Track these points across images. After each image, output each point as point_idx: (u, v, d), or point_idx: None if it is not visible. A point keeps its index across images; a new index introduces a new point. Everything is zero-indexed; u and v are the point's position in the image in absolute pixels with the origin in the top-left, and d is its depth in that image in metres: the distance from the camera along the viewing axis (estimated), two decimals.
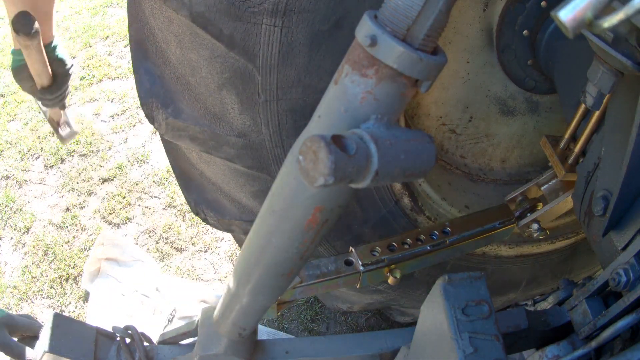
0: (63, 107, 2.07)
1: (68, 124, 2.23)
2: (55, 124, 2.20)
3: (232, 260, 3.14)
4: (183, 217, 3.38)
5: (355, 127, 0.65)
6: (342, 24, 1.29)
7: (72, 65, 1.97)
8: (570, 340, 1.19)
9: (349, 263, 1.47)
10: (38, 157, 3.86)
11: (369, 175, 0.60)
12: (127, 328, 1.37)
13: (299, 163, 0.58)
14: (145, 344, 1.39)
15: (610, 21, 0.56)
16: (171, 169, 2.03)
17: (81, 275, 2.97)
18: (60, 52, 1.89)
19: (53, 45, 1.86)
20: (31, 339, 1.32)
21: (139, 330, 1.39)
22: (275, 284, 0.98)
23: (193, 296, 2.78)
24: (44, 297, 2.97)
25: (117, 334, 1.37)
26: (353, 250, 1.48)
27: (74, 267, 3.09)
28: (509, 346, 1.27)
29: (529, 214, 1.61)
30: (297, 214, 0.78)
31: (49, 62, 1.83)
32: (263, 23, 1.27)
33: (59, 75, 1.89)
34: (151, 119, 1.59)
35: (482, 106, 1.83)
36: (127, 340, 1.38)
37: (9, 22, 1.68)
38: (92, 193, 3.57)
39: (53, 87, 1.90)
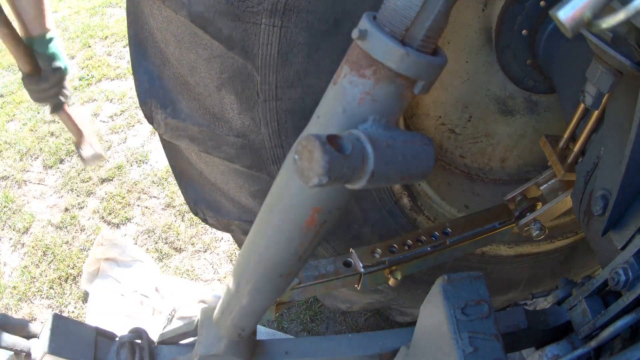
0: (57, 107, 2.06)
1: (91, 145, 2.19)
2: (77, 143, 2.19)
3: (231, 261, 3.14)
4: (182, 217, 3.38)
5: (353, 128, 0.65)
6: (341, 24, 1.29)
7: (64, 67, 1.94)
8: (569, 340, 1.19)
9: (347, 264, 1.46)
10: (37, 158, 3.86)
11: (364, 176, 0.60)
12: (136, 330, 1.37)
13: (294, 162, 0.58)
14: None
15: (610, 22, 0.56)
16: (170, 169, 2.03)
17: (80, 275, 2.97)
18: (53, 48, 1.89)
19: (48, 37, 1.86)
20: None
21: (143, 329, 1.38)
22: (274, 285, 0.98)
23: (192, 296, 2.78)
24: (43, 298, 2.97)
25: (119, 337, 1.36)
26: (353, 251, 1.48)
27: (73, 268, 3.08)
28: (509, 346, 1.27)
29: (528, 214, 1.61)
30: (295, 215, 0.78)
31: (36, 55, 1.85)
32: (262, 23, 1.27)
33: (45, 70, 1.90)
34: (150, 119, 1.59)
35: (482, 106, 1.83)
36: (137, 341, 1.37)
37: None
38: (91, 193, 3.57)
39: (37, 78, 1.90)
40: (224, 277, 3.05)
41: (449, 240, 1.55)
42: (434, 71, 0.66)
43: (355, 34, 0.65)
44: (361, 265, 1.45)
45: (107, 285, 2.81)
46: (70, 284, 3.01)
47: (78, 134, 2.18)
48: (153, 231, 3.30)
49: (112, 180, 3.66)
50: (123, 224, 3.37)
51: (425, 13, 0.63)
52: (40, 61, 1.88)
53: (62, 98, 2.03)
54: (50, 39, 1.88)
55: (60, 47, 1.94)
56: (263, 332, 2.59)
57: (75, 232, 3.31)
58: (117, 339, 1.38)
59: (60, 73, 1.95)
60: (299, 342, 1.46)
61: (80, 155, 2.19)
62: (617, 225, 1.11)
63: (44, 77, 1.90)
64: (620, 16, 0.55)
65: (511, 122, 1.88)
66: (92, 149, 2.17)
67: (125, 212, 3.43)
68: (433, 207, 1.86)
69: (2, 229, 3.37)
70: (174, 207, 3.44)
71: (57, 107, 2.06)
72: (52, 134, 4.03)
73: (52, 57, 1.90)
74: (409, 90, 0.67)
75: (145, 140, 3.96)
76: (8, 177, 3.71)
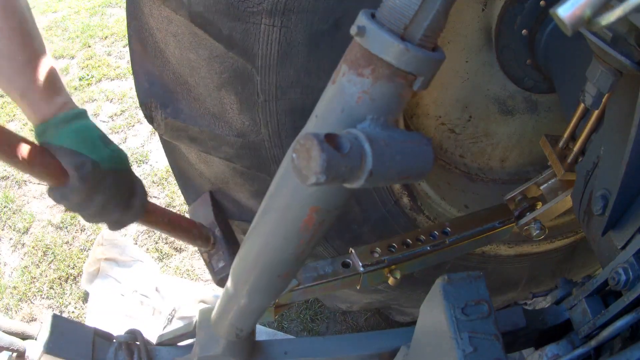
0: (119, 223, 1.27)
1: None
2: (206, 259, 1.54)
3: None
4: None
5: (351, 127, 0.65)
6: (340, 24, 1.29)
7: (104, 157, 1.13)
8: (569, 340, 1.18)
9: (346, 265, 1.46)
10: None
11: (362, 175, 0.59)
12: (132, 332, 1.37)
13: (292, 161, 0.57)
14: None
15: (609, 18, 0.55)
16: (170, 169, 2.03)
17: (80, 275, 2.97)
18: (77, 133, 1.11)
19: (65, 116, 1.10)
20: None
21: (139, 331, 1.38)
22: (272, 285, 0.98)
23: (192, 296, 2.78)
24: (43, 298, 2.97)
25: (115, 337, 1.36)
26: (352, 251, 1.48)
27: (73, 268, 3.08)
28: (509, 345, 1.26)
29: (528, 213, 1.61)
30: (293, 214, 0.78)
31: (53, 151, 1.08)
32: (262, 23, 1.26)
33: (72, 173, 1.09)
34: (150, 119, 1.59)
35: (481, 106, 1.83)
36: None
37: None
38: None
39: (65, 187, 1.10)
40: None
41: (448, 240, 1.55)
42: (433, 66, 0.66)
43: (353, 30, 0.65)
44: (360, 264, 1.45)
45: (107, 285, 2.81)
46: (71, 284, 3.01)
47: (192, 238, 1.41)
48: (153, 231, 3.30)
49: None
50: None
51: (424, 12, 0.63)
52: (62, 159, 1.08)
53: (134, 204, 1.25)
54: (72, 118, 1.11)
55: (94, 129, 1.15)
56: (263, 332, 2.59)
57: (76, 232, 3.31)
58: (114, 339, 1.38)
59: (100, 168, 1.12)
60: (299, 342, 1.46)
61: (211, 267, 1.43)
62: (617, 225, 1.11)
63: (72, 184, 1.09)
64: (617, 12, 0.55)
65: (511, 122, 1.88)
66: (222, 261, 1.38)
67: None
68: (433, 207, 1.86)
69: (2, 229, 3.37)
70: (174, 207, 3.44)
71: (119, 223, 1.26)
72: None
73: (79, 148, 1.09)
74: (408, 89, 0.66)
75: (145, 140, 3.96)
76: (8, 177, 3.71)
